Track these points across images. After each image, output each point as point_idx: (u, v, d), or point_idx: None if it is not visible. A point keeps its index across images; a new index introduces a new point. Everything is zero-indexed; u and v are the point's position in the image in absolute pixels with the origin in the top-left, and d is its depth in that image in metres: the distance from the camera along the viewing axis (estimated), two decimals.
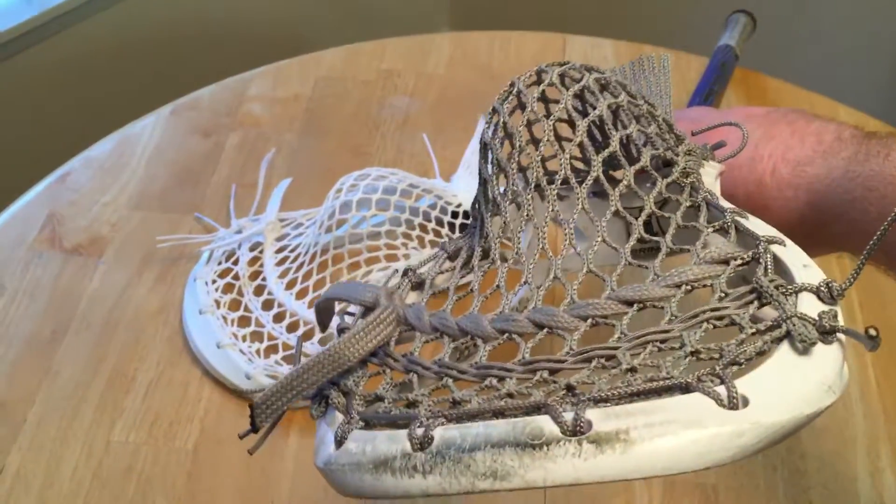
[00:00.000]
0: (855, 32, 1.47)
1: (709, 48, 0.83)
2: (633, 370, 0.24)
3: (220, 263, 0.62)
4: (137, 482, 0.53)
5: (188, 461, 0.54)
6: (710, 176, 0.34)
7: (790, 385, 0.23)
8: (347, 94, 0.79)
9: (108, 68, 1.23)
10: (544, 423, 0.21)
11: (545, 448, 0.21)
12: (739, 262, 0.28)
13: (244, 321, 0.59)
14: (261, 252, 0.62)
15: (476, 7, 1.78)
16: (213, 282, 0.61)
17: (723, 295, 0.27)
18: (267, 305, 0.59)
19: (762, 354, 0.23)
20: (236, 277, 0.61)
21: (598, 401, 0.22)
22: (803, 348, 0.23)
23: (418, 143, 0.74)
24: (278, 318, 0.59)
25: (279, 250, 0.62)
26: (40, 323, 0.61)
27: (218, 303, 0.60)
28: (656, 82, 0.43)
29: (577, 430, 0.21)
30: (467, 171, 0.66)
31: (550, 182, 0.32)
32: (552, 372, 0.25)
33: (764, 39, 1.55)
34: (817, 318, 0.24)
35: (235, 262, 0.62)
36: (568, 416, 0.21)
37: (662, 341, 0.25)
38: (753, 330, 0.24)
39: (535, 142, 0.35)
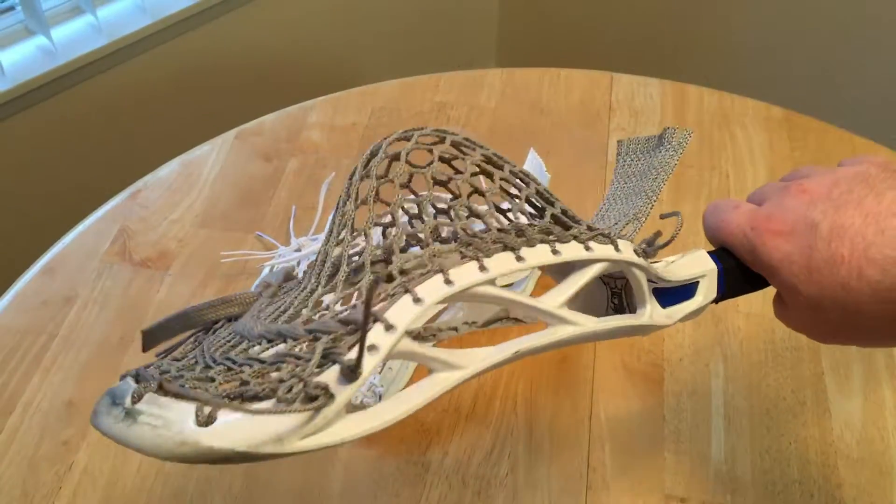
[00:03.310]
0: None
1: (756, 90, 0.85)
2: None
3: None
4: (197, 481, 0.56)
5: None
6: (628, 249, 0.37)
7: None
8: (402, 123, 0.82)
9: (177, 95, 1.29)
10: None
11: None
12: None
13: None
14: None
15: (521, 46, 1.83)
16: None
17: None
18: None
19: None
20: None
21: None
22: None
23: None
24: None
25: None
26: (109, 329, 0.65)
27: None
28: (661, 158, 0.43)
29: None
30: None
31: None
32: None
33: (806, 80, 1.57)
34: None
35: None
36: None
37: None
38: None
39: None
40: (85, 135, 1.20)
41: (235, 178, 0.77)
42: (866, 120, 1.49)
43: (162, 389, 0.26)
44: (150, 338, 0.35)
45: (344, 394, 0.26)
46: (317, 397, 0.26)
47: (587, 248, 0.35)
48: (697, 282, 0.40)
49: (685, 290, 0.40)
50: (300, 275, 0.65)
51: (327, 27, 1.47)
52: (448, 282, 0.31)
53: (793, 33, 1.53)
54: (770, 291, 0.43)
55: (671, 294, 0.40)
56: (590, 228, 0.36)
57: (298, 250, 0.67)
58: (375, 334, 0.28)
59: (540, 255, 0.34)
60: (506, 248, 0.33)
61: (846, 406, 0.60)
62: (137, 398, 0.26)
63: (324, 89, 0.89)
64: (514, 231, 0.34)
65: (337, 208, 0.34)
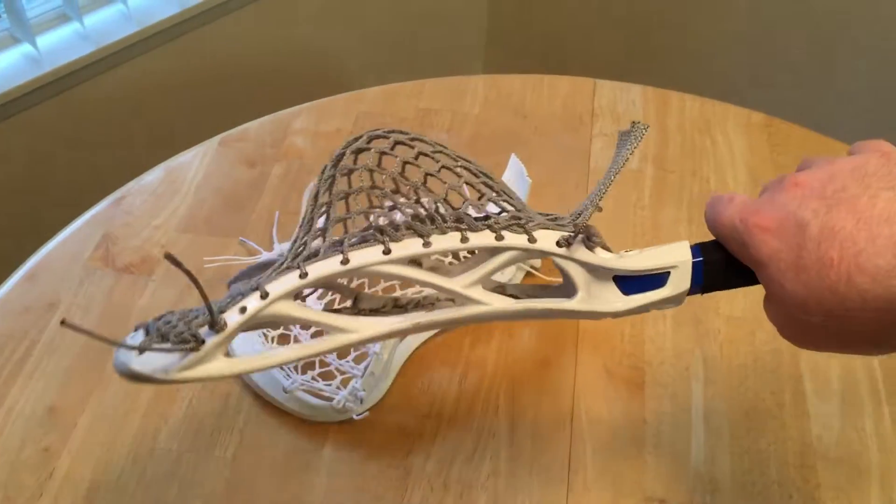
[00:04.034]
0: (876, 79, 1.49)
1: (737, 96, 0.86)
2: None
3: None
4: (179, 487, 0.56)
5: (227, 469, 0.57)
6: (548, 239, 0.40)
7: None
8: None
9: (162, 102, 1.29)
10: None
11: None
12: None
13: (284, 339, 0.62)
14: None
15: (509, 52, 1.84)
16: None
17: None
18: (306, 324, 0.63)
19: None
20: None
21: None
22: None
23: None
24: (316, 336, 0.62)
25: None
26: None
27: None
28: (622, 153, 0.44)
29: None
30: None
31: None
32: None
33: (787, 86, 1.58)
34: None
35: None
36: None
37: None
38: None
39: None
40: (70, 142, 1.20)
41: (219, 184, 0.77)
42: (846, 126, 1.50)
43: (144, 330, 0.36)
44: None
45: (211, 341, 0.35)
46: (189, 342, 0.35)
47: (499, 238, 0.39)
48: (669, 272, 0.41)
49: (656, 280, 0.41)
50: None
51: (313, 34, 1.47)
52: (345, 262, 0.37)
53: (773, 41, 1.54)
54: (751, 291, 0.43)
55: (639, 282, 0.41)
56: (515, 218, 0.40)
57: (281, 255, 0.67)
58: (251, 300, 0.36)
59: (448, 241, 0.38)
60: (416, 234, 0.38)
61: (824, 408, 0.60)
62: (133, 333, 0.36)
63: (308, 95, 0.89)
64: (428, 219, 0.39)
65: (315, 200, 0.41)
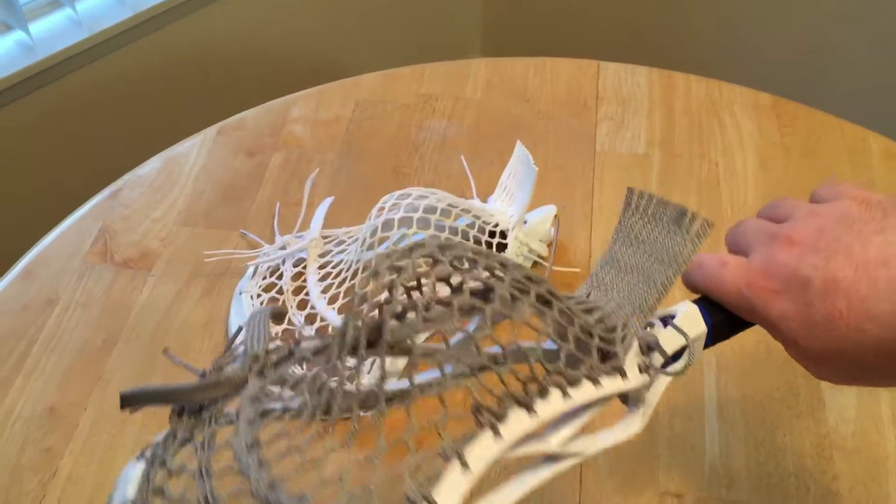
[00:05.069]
0: (886, 59, 1.47)
1: (741, 76, 0.84)
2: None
3: (264, 278, 0.65)
4: (185, 489, 0.55)
5: None
6: (633, 371, 0.36)
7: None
8: (387, 116, 0.81)
9: (158, 90, 1.27)
10: None
11: None
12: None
13: (288, 334, 0.61)
14: (304, 268, 0.65)
15: (507, 35, 1.81)
16: (258, 296, 0.63)
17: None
18: (310, 319, 0.62)
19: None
20: (280, 292, 0.64)
21: None
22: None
23: (456, 164, 0.76)
24: (321, 332, 0.61)
25: (322, 266, 0.64)
26: (92, 332, 0.63)
27: None
28: (676, 246, 0.40)
29: None
30: (504, 192, 0.68)
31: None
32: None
33: (795, 67, 1.56)
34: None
35: (279, 277, 0.64)
36: None
37: None
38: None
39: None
40: (64, 132, 1.18)
41: (218, 175, 0.76)
42: (854, 105, 1.48)
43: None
44: (129, 401, 0.32)
45: None
46: None
47: (596, 385, 0.35)
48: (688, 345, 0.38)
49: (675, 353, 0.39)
50: (286, 273, 0.64)
51: (309, 19, 1.45)
52: (464, 466, 0.30)
53: (780, 19, 1.52)
54: None
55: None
56: (607, 357, 0.35)
57: (283, 248, 0.66)
58: None
59: (553, 405, 0.33)
60: (519, 403, 0.32)
61: (840, 397, 0.59)
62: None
63: (306, 82, 0.88)
64: (524, 379, 0.33)
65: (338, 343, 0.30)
